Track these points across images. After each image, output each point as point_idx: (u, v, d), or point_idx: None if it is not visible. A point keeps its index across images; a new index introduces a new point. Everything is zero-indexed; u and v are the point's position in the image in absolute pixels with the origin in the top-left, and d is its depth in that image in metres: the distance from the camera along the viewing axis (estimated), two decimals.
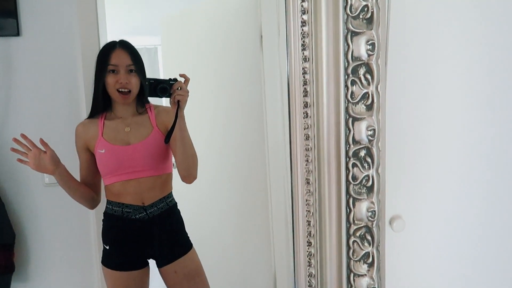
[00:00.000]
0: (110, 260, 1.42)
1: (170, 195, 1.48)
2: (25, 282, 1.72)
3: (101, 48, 1.43)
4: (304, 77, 0.74)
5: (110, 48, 1.38)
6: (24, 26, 1.67)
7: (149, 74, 1.45)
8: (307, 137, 0.77)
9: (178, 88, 1.31)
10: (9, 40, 1.66)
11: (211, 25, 2.24)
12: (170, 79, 1.33)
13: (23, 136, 1.31)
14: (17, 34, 1.66)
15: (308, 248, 0.81)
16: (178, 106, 1.31)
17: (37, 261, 1.73)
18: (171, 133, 1.34)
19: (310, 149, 0.77)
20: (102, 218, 1.47)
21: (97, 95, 1.42)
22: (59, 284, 1.75)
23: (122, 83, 1.35)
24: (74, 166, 1.45)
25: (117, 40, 1.43)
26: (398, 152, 0.85)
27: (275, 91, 1.79)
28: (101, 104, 1.42)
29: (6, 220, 1.64)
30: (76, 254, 1.75)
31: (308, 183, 0.79)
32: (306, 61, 0.74)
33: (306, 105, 0.75)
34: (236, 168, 2.16)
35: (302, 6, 0.71)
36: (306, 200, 0.79)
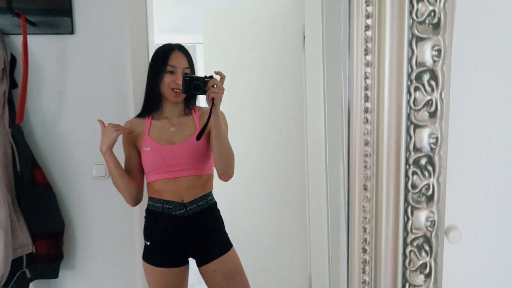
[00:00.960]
0: (150, 256, 1.46)
1: (210, 194, 1.51)
2: (72, 270, 1.80)
3: (157, 49, 1.47)
4: (365, 82, 0.73)
5: (169, 50, 1.43)
6: (78, 24, 1.73)
7: None
8: (366, 143, 0.76)
9: (213, 86, 1.33)
10: (64, 38, 1.73)
11: (253, 23, 2.25)
12: (205, 77, 1.35)
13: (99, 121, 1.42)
14: (71, 32, 1.73)
15: (363, 255, 0.80)
16: (213, 103, 1.33)
17: (83, 251, 1.80)
18: (204, 130, 1.38)
19: (369, 155, 0.76)
20: (145, 215, 1.52)
21: (151, 94, 1.47)
22: (104, 274, 1.81)
23: (178, 83, 1.40)
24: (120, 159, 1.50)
25: (173, 43, 1.47)
26: (455, 160, 0.83)
27: (317, 92, 1.78)
28: (155, 103, 1.47)
29: (57, 210, 1.72)
30: (120, 245, 1.81)
31: (365, 189, 0.78)
32: (368, 66, 0.73)
33: (366, 110, 0.75)
34: (275, 169, 2.17)
35: (366, 10, 0.70)
36: (363, 207, 0.78)
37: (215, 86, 1.34)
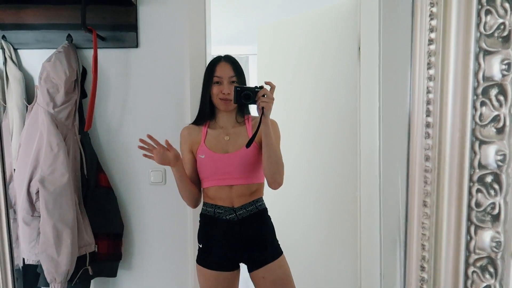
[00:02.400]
0: (203, 259, 1.51)
1: (260, 199, 1.54)
2: (129, 270, 1.89)
3: (208, 62, 1.53)
4: (428, 96, 0.72)
5: (216, 62, 1.50)
6: (142, 39, 1.84)
7: None
8: (427, 158, 0.74)
9: (263, 95, 1.36)
10: (129, 51, 1.84)
11: (308, 34, 2.26)
12: (256, 87, 1.39)
13: (149, 136, 1.45)
14: (136, 46, 1.84)
15: (421, 273, 0.78)
16: (263, 112, 1.36)
17: (140, 252, 1.88)
18: (253, 138, 1.41)
19: (429, 170, 0.74)
20: (199, 219, 1.57)
21: (204, 104, 1.53)
22: (158, 275, 1.88)
23: (225, 93, 1.45)
24: None
25: (222, 55, 1.53)
26: None
27: (372, 103, 1.75)
28: (207, 112, 1.52)
29: (117, 212, 1.82)
30: (174, 248, 1.87)
31: (425, 205, 0.76)
32: (431, 80, 0.71)
33: (428, 125, 0.73)
34: (327, 178, 2.15)
35: (430, 24, 0.69)
36: (422, 223, 0.76)
37: (265, 95, 1.37)
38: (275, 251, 1.53)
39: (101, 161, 1.81)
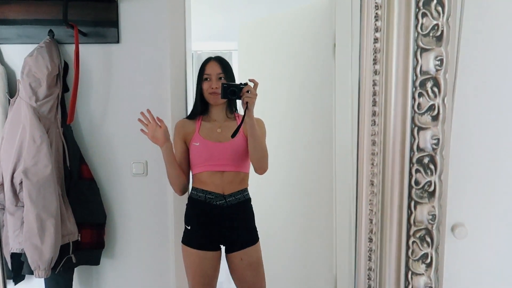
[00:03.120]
0: (190, 240, 1.65)
1: (246, 189, 1.71)
2: (112, 258, 1.97)
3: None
4: (374, 88, 0.82)
5: (206, 62, 1.70)
6: (123, 34, 1.91)
7: None
8: (373, 143, 0.84)
9: (247, 91, 1.51)
10: (110, 46, 1.91)
11: (286, 32, 2.36)
12: (240, 84, 1.55)
13: (148, 111, 1.61)
14: (117, 41, 1.91)
15: (369, 244, 0.88)
16: (247, 107, 1.51)
17: (123, 241, 1.96)
18: (239, 129, 1.56)
19: (376, 153, 0.85)
20: (186, 202, 1.71)
21: (196, 99, 1.71)
22: (140, 263, 1.97)
23: (213, 88, 1.62)
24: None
25: (213, 56, 1.72)
26: (464, 161, 0.89)
27: (346, 98, 1.87)
28: (199, 107, 1.70)
29: (100, 203, 1.89)
30: (155, 237, 1.96)
31: (372, 184, 0.86)
32: (376, 74, 0.82)
33: (374, 113, 0.83)
34: (304, 169, 2.26)
35: (375, 25, 0.80)
36: (370, 200, 0.87)
37: (249, 91, 1.52)
38: (254, 237, 1.69)
39: (83, 153, 1.88)
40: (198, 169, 1.65)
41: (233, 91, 1.53)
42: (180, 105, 1.93)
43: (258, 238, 1.70)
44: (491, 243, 0.95)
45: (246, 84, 1.54)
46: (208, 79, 1.65)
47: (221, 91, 1.55)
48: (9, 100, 1.77)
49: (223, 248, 1.69)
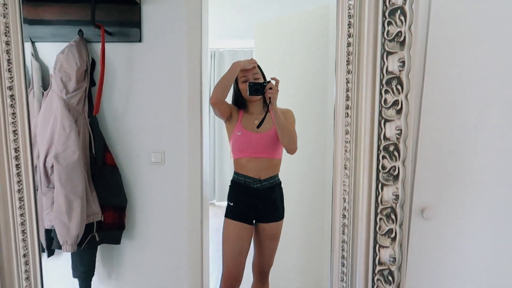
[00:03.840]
0: (233, 213, 1.98)
1: (277, 175, 2.03)
2: (131, 239, 2.17)
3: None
4: (347, 85, 0.96)
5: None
6: (145, 34, 2.10)
7: None
8: (346, 132, 0.99)
9: (270, 88, 1.81)
10: (133, 45, 2.11)
11: (298, 32, 2.50)
12: (264, 82, 1.85)
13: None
14: (140, 40, 2.10)
15: (343, 220, 1.03)
16: (270, 101, 1.82)
17: (141, 224, 2.16)
18: (262, 122, 1.88)
19: (348, 141, 0.99)
20: (230, 184, 2.05)
21: (236, 96, 2.04)
22: (157, 244, 2.17)
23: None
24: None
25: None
26: (433, 150, 1.01)
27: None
28: (240, 102, 2.02)
29: (121, 188, 2.10)
30: (171, 219, 2.15)
31: (345, 168, 1.00)
32: (349, 73, 0.96)
33: (347, 107, 0.97)
34: (302, 154, 2.42)
35: (348, 31, 0.94)
36: (344, 182, 1.01)
37: (271, 88, 1.81)
38: (279, 215, 2.04)
39: (107, 142, 2.09)
40: (239, 155, 1.97)
41: (257, 89, 1.83)
42: (195, 99, 2.10)
43: (283, 217, 2.04)
44: (456, 224, 1.07)
45: (269, 82, 1.83)
46: (246, 81, 1.94)
47: (247, 89, 1.85)
48: (43, 93, 1.99)
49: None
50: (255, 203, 1.97)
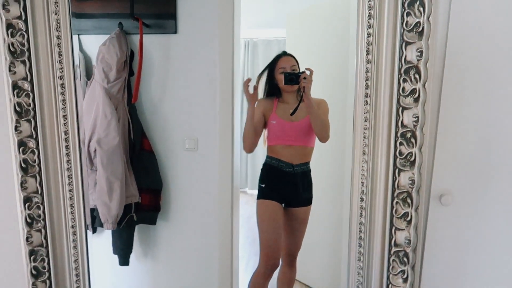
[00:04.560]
0: (265, 194, 2.09)
1: (308, 163, 2.11)
2: (166, 221, 2.32)
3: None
4: (366, 75, 1.01)
5: (279, 56, 2.12)
6: (180, 26, 2.21)
7: None
8: (365, 119, 1.04)
9: (304, 78, 1.88)
10: (169, 36, 2.22)
11: (329, 20, 2.53)
12: (299, 72, 1.96)
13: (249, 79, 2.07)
14: (175, 32, 2.21)
15: (360, 203, 1.08)
16: (304, 91, 1.89)
17: (176, 206, 2.30)
18: (296, 110, 1.96)
19: (367, 128, 1.04)
20: (262, 167, 2.15)
21: (271, 86, 2.14)
22: (190, 225, 2.30)
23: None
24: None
25: (281, 51, 2.15)
26: (453, 137, 1.05)
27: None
28: (274, 91, 2.13)
29: (157, 172, 2.24)
30: (204, 202, 2.27)
31: (364, 154, 1.06)
32: (368, 62, 1.01)
33: (366, 95, 1.03)
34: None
35: (368, 22, 0.98)
36: (362, 167, 1.07)
37: (305, 78, 1.88)
38: (308, 201, 2.14)
39: (145, 129, 2.23)
40: (274, 142, 2.07)
41: (292, 79, 1.93)
42: (227, 88, 2.20)
43: (311, 203, 2.14)
44: (475, 211, 1.11)
45: (303, 72, 1.91)
46: (284, 72, 2.01)
47: (283, 79, 1.96)
48: (87, 82, 2.15)
49: None
50: (286, 186, 2.06)
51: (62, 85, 1.13)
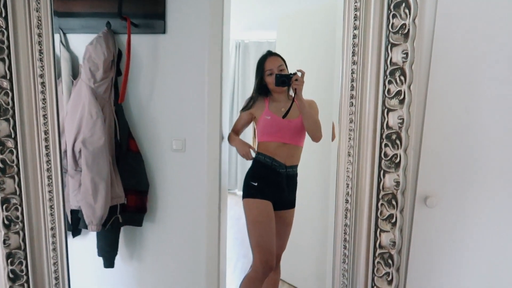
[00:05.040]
0: (256, 192, 2.04)
1: (297, 166, 2.11)
2: (153, 222, 2.29)
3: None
4: (352, 76, 1.01)
5: (265, 57, 2.09)
6: (169, 26, 2.19)
7: None
8: (351, 121, 1.03)
9: (296, 80, 1.89)
10: (157, 37, 2.20)
11: (320, 24, 2.53)
12: (290, 74, 1.94)
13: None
14: (164, 32, 2.19)
15: (345, 205, 1.07)
16: (295, 92, 1.90)
17: (163, 208, 2.27)
18: (288, 112, 1.96)
19: (352, 130, 1.03)
20: (252, 164, 2.13)
21: (259, 86, 2.11)
22: (177, 226, 2.27)
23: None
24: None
25: (266, 51, 2.12)
26: (438, 140, 1.04)
27: None
28: (263, 92, 2.11)
29: (144, 173, 2.21)
30: (191, 204, 2.25)
31: (349, 155, 1.05)
32: (354, 64, 1.00)
33: (352, 96, 1.02)
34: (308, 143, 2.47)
35: (354, 23, 0.98)
36: (347, 168, 1.06)
37: (297, 80, 1.89)
38: (294, 203, 2.17)
39: (131, 129, 2.20)
40: (268, 138, 2.05)
41: (283, 81, 1.92)
42: (215, 89, 2.18)
43: (295, 205, 2.17)
44: (459, 214, 1.10)
45: (295, 73, 1.91)
46: (271, 74, 2.02)
47: (275, 80, 1.95)
48: (72, 81, 2.12)
49: None
50: (276, 186, 2.04)
51: (43, 83, 1.10)
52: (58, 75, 2.13)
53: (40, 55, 1.07)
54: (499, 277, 1.13)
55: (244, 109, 2.17)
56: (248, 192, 2.07)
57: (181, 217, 2.27)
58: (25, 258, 1.15)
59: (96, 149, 1.98)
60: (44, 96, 1.10)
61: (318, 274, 2.76)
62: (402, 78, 0.96)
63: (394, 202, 1.02)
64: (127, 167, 2.15)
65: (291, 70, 2.02)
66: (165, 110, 2.23)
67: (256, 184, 2.05)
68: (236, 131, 2.21)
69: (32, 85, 1.10)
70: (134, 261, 2.33)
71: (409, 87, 0.96)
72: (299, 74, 1.90)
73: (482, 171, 1.08)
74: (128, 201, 2.15)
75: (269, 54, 2.10)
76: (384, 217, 1.04)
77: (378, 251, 1.04)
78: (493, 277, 1.12)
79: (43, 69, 1.08)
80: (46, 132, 1.11)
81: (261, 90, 2.11)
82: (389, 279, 1.07)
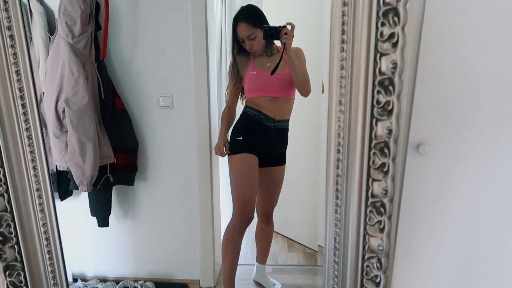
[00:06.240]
0: (241, 147, 1.98)
1: (288, 120, 2.06)
2: (144, 181, 2.28)
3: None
4: (342, 18, 0.95)
5: (235, 24, 1.95)
6: None
7: None
8: (342, 67, 0.98)
9: (285, 33, 1.77)
10: None
11: None
12: (279, 26, 1.80)
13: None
14: None
15: (337, 155, 1.05)
16: (285, 46, 1.80)
17: (154, 166, 2.26)
18: (277, 67, 1.89)
19: (344, 77, 0.99)
20: (238, 118, 2.07)
21: (237, 49, 2.03)
22: (169, 185, 2.27)
23: (250, 49, 1.94)
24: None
25: (237, 14, 1.95)
26: (432, 85, 1.01)
27: None
28: (243, 54, 2.03)
29: (132, 131, 2.16)
30: (182, 161, 2.23)
31: (340, 103, 1.01)
32: (345, 5, 0.94)
33: (343, 41, 0.97)
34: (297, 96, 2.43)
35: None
36: (338, 117, 1.03)
37: (286, 34, 1.78)
38: (283, 160, 2.11)
39: (116, 87, 2.13)
40: (256, 94, 1.98)
41: (272, 34, 1.80)
42: (201, 41, 2.09)
43: (285, 162, 2.11)
44: (452, 162, 1.09)
45: (284, 26, 1.79)
46: (244, 41, 1.93)
47: (263, 33, 1.83)
48: (50, 38, 2.01)
49: None
50: (263, 141, 1.99)
51: (12, 36, 1.02)
52: (29, 29, 2.03)
53: (5, 5, 0.98)
54: (489, 225, 1.14)
55: (230, 83, 2.11)
56: (232, 147, 2.01)
57: (173, 175, 2.26)
58: (13, 220, 1.13)
59: (80, 108, 1.92)
60: (14, 50, 1.02)
61: (311, 225, 2.82)
62: (396, 19, 0.91)
63: (386, 151, 1.00)
64: (114, 126, 2.10)
65: (278, 19, 1.91)
66: (150, 65, 2.15)
67: (240, 138, 2.00)
68: (229, 105, 2.13)
69: (0, 38, 1.02)
70: (128, 220, 2.34)
71: (403, 28, 0.91)
72: (289, 27, 1.79)
73: (475, 118, 1.05)
74: (118, 161, 2.12)
75: (238, 19, 1.93)
76: (376, 166, 1.02)
77: (370, 200, 1.03)
78: (482, 225, 1.13)
79: (10, 20, 0.99)
80: (21, 90, 1.05)
81: (241, 52, 2.02)
82: (381, 226, 1.07)
